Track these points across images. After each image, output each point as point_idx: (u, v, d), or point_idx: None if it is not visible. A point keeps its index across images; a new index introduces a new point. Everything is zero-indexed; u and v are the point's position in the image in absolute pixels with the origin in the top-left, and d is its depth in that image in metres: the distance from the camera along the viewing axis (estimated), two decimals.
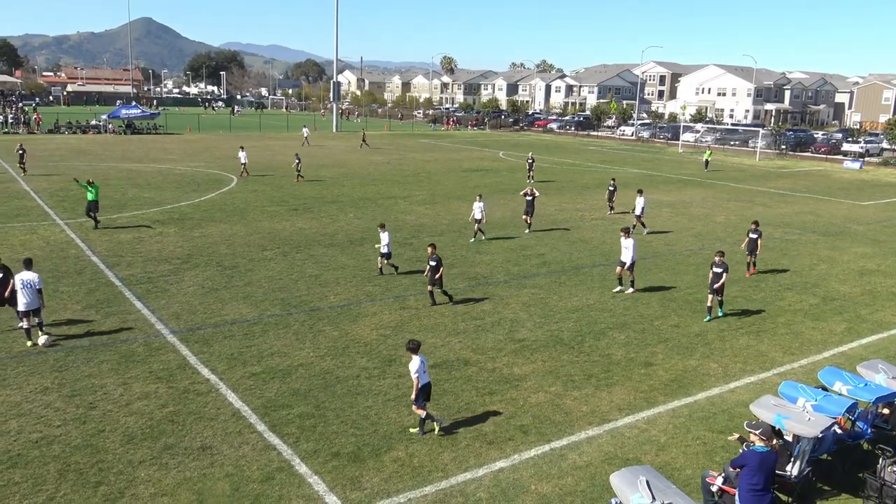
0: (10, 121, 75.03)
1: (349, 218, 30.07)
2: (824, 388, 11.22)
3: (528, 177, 43.56)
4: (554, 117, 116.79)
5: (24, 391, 12.78)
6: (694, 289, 20.57)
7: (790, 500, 9.78)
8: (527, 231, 27.98)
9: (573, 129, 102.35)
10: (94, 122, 77.07)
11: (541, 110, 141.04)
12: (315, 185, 39.28)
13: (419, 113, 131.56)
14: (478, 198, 26.48)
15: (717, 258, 17.73)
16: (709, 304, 17.96)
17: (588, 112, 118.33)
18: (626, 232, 19.85)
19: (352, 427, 11.80)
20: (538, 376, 14.09)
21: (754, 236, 22.19)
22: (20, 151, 41.52)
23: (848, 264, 24.49)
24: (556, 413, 12.54)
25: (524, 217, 28.17)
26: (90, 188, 26.66)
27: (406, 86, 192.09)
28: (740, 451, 9.98)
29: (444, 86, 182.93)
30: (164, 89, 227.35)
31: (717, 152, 72.46)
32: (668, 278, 21.72)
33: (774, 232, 29.73)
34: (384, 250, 20.88)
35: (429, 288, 18.39)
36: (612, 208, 33.06)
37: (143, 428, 11.59)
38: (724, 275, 17.57)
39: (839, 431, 10.75)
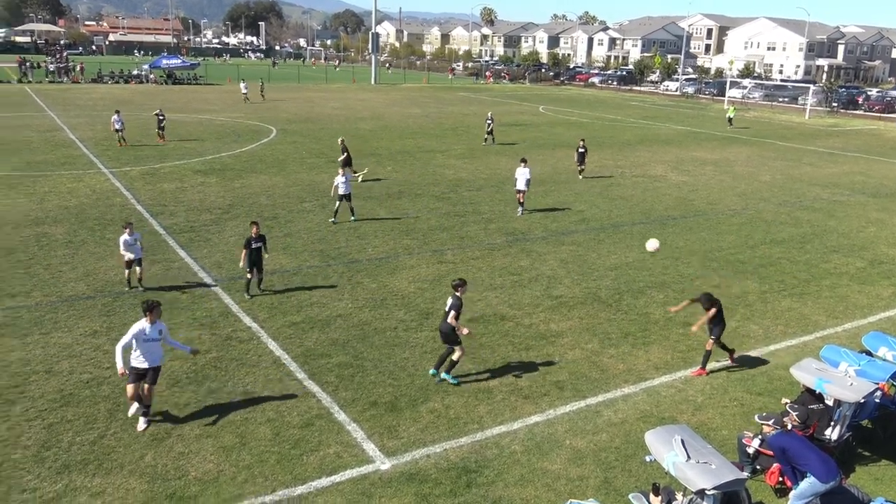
0: (52, 69, 76.00)
1: (387, 171, 30.05)
2: (868, 353, 11.03)
3: (486, 139, 38.45)
4: (596, 71, 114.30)
5: (74, 334, 13.22)
6: (736, 249, 20.24)
7: None
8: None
9: (615, 83, 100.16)
10: (136, 72, 77.79)
11: (582, 64, 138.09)
12: (354, 139, 39.21)
13: (458, 65, 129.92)
14: (339, 172, 21.78)
15: None
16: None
17: (631, 66, 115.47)
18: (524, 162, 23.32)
19: (389, 377, 11.99)
20: (575, 333, 14.09)
21: (712, 310, 12.29)
22: None
23: None
24: (592, 370, 12.56)
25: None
26: None
27: (445, 38, 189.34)
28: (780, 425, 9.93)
29: (484, 38, 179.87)
30: (204, 39, 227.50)
31: (765, 109, 70.36)
32: (709, 238, 21.37)
33: (822, 193, 28.95)
34: (134, 256, 15.20)
35: (248, 275, 15.25)
36: (581, 171, 29.67)
37: (188, 372, 11.93)
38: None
39: (881, 398, 10.59)
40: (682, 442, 7.97)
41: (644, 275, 17.76)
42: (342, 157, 26.72)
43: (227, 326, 13.84)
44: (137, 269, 15.33)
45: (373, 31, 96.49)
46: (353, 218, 21.75)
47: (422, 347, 13.18)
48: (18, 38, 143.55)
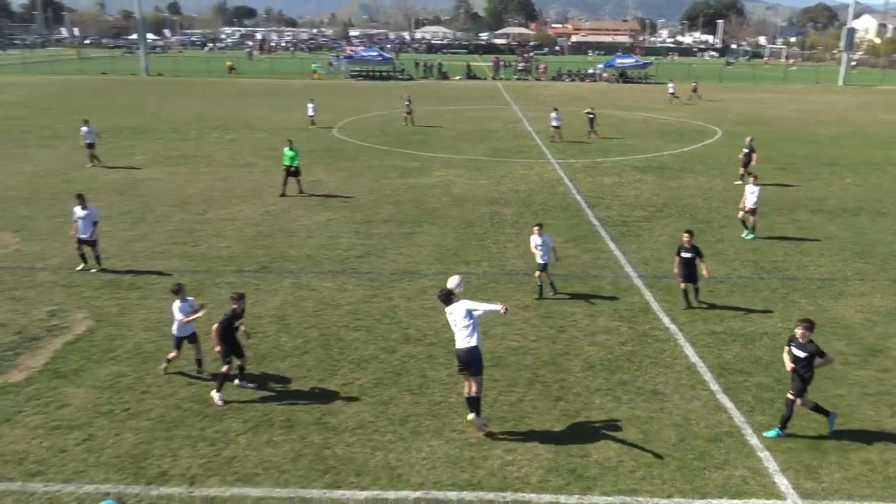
0: (520, 68, 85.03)
1: (845, 183, 26.63)
2: None
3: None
4: None
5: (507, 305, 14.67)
6: None
7: None
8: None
9: None
10: (590, 71, 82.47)
11: None
12: (808, 144, 35.68)
13: None
14: (750, 181, 19.58)
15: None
16: None
17: None
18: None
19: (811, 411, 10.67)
20: None
21: None
22: (406, 102, 41.09)
23: None
24: None
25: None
26: (289, 151, 23.40)
27: None
28: None
29: None
30: (658, 39, 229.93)
31: None
32: None
33: None
34: (542, 260, 14.85)
35: (682, 286, 14.54)
36: None
37: (603, 360, 12.32)
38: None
39: None
40: None
41: None
42: (742, 157, 25.67)
43: (644, 323, 13.89)
44: (549, 280, 15.10)
45: (848, 25, 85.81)
46: (749, 235, 19.45)
47: (864, 387, 11.42)
48: (496, 41, 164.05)
